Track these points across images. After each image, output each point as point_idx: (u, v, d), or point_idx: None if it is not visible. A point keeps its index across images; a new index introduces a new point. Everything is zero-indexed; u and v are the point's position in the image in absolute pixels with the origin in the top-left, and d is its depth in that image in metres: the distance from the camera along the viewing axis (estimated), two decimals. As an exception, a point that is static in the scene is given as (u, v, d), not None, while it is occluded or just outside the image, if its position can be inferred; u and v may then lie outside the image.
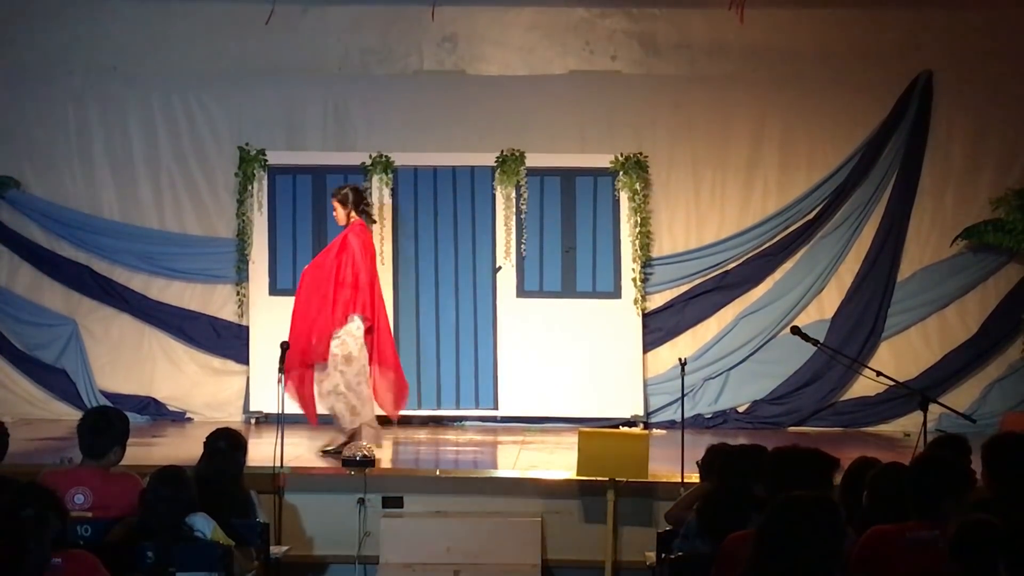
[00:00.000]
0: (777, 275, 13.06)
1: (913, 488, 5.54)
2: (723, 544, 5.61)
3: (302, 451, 10.53)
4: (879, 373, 10.12)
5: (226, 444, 7.66)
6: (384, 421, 10.92)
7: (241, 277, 12.92)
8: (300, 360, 10.37)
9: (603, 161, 12.77)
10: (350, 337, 10.36)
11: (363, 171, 12.80)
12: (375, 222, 11.10)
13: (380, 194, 12.77)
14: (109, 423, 7.13)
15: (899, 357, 12.80)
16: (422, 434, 12.28)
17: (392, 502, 9.52)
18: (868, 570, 5.23)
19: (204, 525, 6.53)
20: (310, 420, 10.59)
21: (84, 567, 5.42)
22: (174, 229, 13.16)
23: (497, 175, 12.78)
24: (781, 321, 12.86)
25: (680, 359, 9.85)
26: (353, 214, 10.61)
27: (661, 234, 13.00)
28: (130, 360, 13.10)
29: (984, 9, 12.90)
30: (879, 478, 5.98)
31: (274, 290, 12.87)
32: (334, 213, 10.76)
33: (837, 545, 4.53)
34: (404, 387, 10.85)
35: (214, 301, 13.15)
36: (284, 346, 9.83)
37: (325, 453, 10.35)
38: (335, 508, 9.50)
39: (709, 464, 7.23)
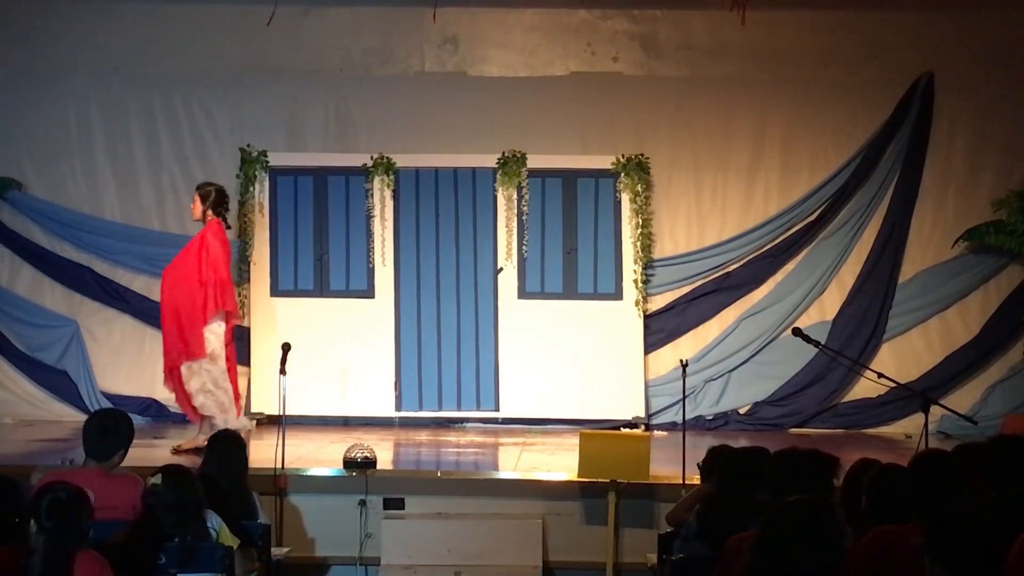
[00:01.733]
0: (778, 277, 13.07)
1: (912, 489, 5.53)
2: (726, 545, 5.60)
3: (304, 452, 10.53)
4: (880, 375, 10.11)
5: (228, 445, 7.69)
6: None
7: (242, 278, 12.91)
8: (176, 360, 10.63)
9: (604, 163, 12.77)
10: (213, 335, 10.64)
11: (364, 172, 12.81)
12: (230, 227, 11.29)
13: (381, 195, 12.79)
14: (116, 426, 7.15)
15: (900, 359, 12.80)
16: (423, 435, 12.30)
17: (393, 503, 9.53)
18: (870, 571, 5.22)
19: (215, 522, 6.56)
20: (191, 418, 10.83)
21: (92, 567, 5.43)
22: (175, 230, 13.14)
23: (498, 176, 12.79)
24: (782, 323, 12.86)
25: (681, 361, 9.86)
26: (211, 212, 10.83)
27: (662, 235, 13.00)
28: (131, 361, 13.10)
29: (985, 11, 12.89)
30: (877, 480, 5.97)
31: (275, 291, 12.88)
32: (192, 206, 10.98)
33: (837, 548, 4.52)
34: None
35: (215, 302, 13.14)
36: (286, 347, 9.85)
37: (179, 451, 10.44)
38: (336, 509, 9.51)
39: (710, 466, 7.23)
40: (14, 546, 5.33)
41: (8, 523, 5.46)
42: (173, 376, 10.68)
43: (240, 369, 12.89)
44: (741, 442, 9.36)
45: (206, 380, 10.57)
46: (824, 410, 12.81)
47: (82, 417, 10.53)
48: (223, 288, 10.68)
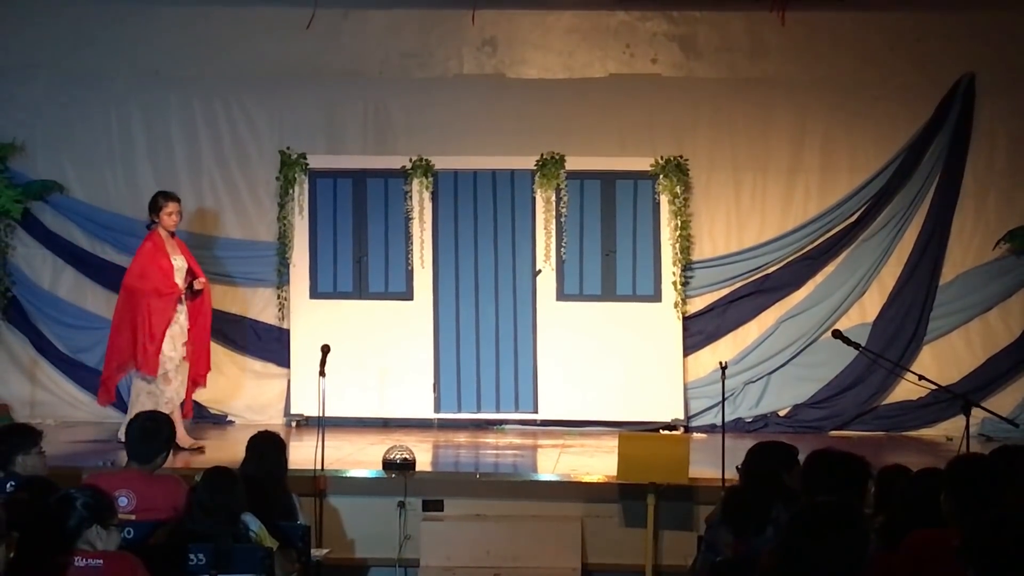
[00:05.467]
0: (818, 278, 13.01)
1: (952, 493, 5.49)
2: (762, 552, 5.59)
3: (343, 454, 10.56)
4: (921, 377, 10.06)
5: (269, 446, 7.72)
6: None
7: (282, 280, 12.96)
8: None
9: (643, 164, 12.75)
10: None
11: (403, 175, 12.83)
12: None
13: (420, 197, 12.81)
14: (158, 428, 7.23)
15: (941, 361, 12.72)
16: (462, 437, 12.30)
17: (432, 505, 9.54)
18: (913, 574, 5.19)
19: (254, 524, 6.59)
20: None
21: (125, 568, 5.46)
22: (215, 232, 13.21)
23: (537, 178, 12.78)
24: (822, 325, 12.80)
25: (721, 363, 9.86)
26: None
27: (701, 237, 12.96)
28: (172, 363, 13.15)
29: (1027, 11, 12.83)
30: (915, 484, 5.93)
31: (315, 293, 12.92)
32: (177, 217, 11.34)
33: (861, 551, 4.50)
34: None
35: (255, 304, 13.19)
36: (325, 349, 9.89)
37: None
38: (376, 511, 9.54)
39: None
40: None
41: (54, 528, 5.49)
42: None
43: (279, 371, 13.01)
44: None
45: None
46: (864, 412, 12.77)
47: (123, 419, 10.64)
48: None
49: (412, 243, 12.82)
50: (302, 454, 9.84)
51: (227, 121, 13.27)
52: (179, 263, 11.17)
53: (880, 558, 5.17)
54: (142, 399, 10.97)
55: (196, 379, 11.38)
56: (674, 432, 12.28)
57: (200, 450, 10.89)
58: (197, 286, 11.17)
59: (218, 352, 13.08)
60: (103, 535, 5.52)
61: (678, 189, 12.70)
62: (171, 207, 11.20)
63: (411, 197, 12.84)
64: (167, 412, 10.86)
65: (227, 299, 13.12)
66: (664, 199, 12.73)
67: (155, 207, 11.22)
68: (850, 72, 12.98)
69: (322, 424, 9.52)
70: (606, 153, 12.86)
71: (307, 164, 12.90)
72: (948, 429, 12.25)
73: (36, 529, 5.36)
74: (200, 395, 12.98)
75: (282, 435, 8.19)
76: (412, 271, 12.84)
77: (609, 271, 12.81)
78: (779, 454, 6.61)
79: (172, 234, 11.28)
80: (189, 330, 11.18)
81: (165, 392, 11.02)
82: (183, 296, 11.11)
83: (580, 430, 12.53)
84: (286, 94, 13.19)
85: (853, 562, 4.43)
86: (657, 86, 13.13)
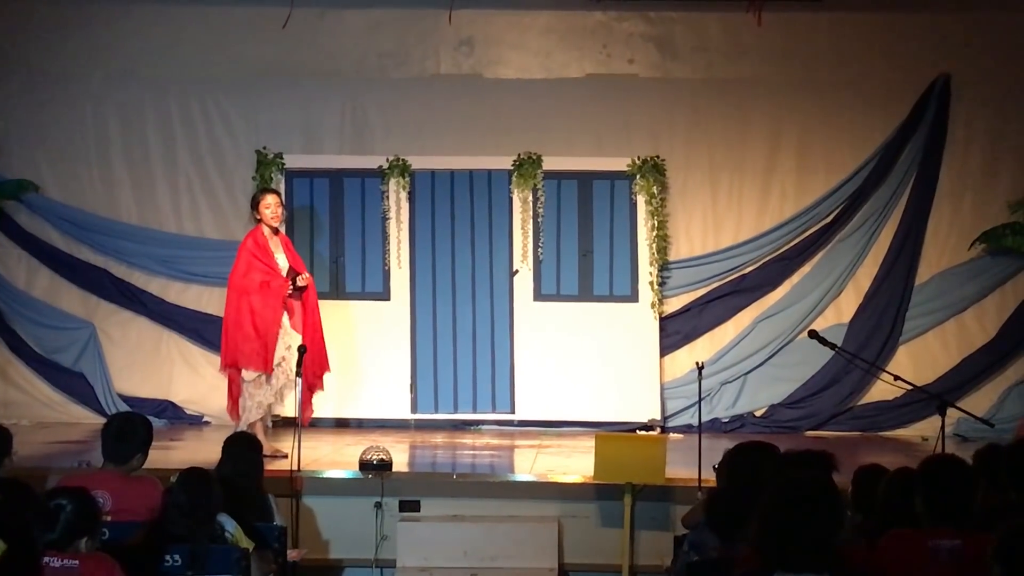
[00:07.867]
0: (795, 279, 13.04)
1: (926, 493, 5.51)
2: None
3: (320, 454, 10.54)
4: (897, 377, 10.09)
5: (243, 447, 7.70)
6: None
7: (258, 280, 12.92)
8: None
9: (620, 164, 12.76)
10: None
11: (380, 174, 12.81)
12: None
13: (397, 197, 12.80)
14: (134, 429, 7.19)
15: (917, 361, 12.76)
16: (439, 438, 12.29)
17: (409, 506, 9.53)
18: (889, 574, 5.21)
19: (230, 525, 6.57)
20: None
21: (102, 569, 5.44)
22: (192, 232, 13.17)
23: (514, 178, 12.78)
24: (798, 325, 12.83)
25: (697, 363, 9.86)
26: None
27: (678, 237, 12.98)
28: (148, 363, 13.11)
29: (1002, 12, 12.86)
30: (891, 484, 5.95)
31: (291, 294, 12.86)
32: (277, 210, 10.84)
33: (837, 521, 4.53)
34: None
35: (232, 305, 13.15)
36: (302, 350, 9.88)
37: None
38: (352, 512, 9.52)
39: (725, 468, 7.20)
40: None
41: (19, 527, 5.46)
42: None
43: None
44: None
45: None
46: (840, 412, 12.79)
47: (99, 419, 10.61)
48: None
49: (389, 243, 12.81)
50: (279, 455, 9.82)
51: (203, 121, 13.23)
52: (281, 261, 10.82)
53: (858, 556, 5.19)
54: (244, 400, 10.67)
55: (313, 382, 10.87)
56: (651, 432, 12.28)
57: (283, 456, 10.22)
58: (301, 282, 10.70)
59: (194, 352, 13.09)
60: (88, 544, 5.51)
61: (655, 189, 12.71)
62: (268, 200, 10.79)
63: (388, 197, 12.82)
64: (257, 416, 10.55)
65: (204, 299, 13.09)
66: (641, 199, 12.74)
67: (254, 203, 10.90)
68: (826, 73, 13.02)
69: (299, 424, 9.50)
70: (583, 153, 12.87)
71: (284, 164, 12.87)
72: (924, 429, 12.29)
73: (20, 538, 5.32)
74: (176, 395, 12.99)
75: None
76: (389, 271, 12.83)
77: (586, 271, 12.82)
78: (762, 455, 6.61)
79: (276, 232, 10.95)
80: (303, 331, 10.74)
81: (255, 395, 10.56)
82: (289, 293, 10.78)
83: (557, 430, 12.54)
84: (262, 94, 13.16)
85: (830, 533, 4.47)
86: (634, 86, 13.14)
